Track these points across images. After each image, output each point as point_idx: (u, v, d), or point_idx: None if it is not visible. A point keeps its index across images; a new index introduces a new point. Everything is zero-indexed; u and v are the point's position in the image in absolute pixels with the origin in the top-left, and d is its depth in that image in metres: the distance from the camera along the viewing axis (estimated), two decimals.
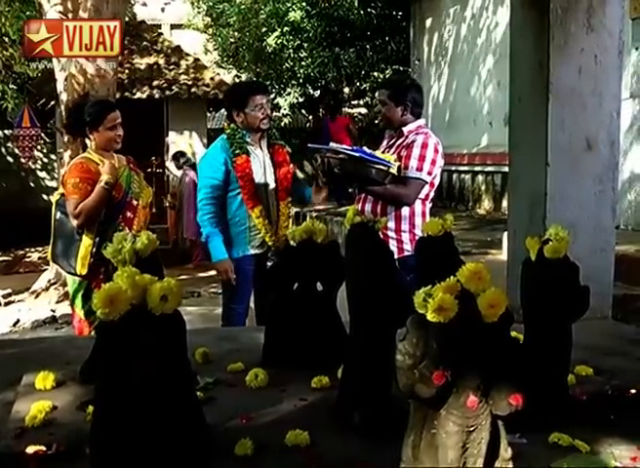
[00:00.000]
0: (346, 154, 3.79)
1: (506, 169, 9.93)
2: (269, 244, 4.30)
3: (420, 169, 3.84)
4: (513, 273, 3.86)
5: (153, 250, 2.32)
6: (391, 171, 3.81)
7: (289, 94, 17.19)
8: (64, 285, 8.52)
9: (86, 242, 3.98)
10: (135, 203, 4.12)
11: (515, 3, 3.65)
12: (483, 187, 11.42)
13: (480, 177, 11.46)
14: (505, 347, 1.50)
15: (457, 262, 2.69)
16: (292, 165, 4.52)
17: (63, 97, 8.45)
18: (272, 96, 17.64)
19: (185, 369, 1.45)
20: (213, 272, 9.82)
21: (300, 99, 17.62)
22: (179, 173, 11.92)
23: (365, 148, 3.94)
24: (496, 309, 1.48)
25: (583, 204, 3.54)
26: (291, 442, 1.89)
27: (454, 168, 11.66)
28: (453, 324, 1.46)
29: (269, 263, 4.27)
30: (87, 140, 4.13)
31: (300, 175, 15.61)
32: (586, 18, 3.43)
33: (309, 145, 4.19)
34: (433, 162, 3.89)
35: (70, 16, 8.31)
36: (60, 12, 8.33)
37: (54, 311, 7.90)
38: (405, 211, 3.93)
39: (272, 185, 4.36)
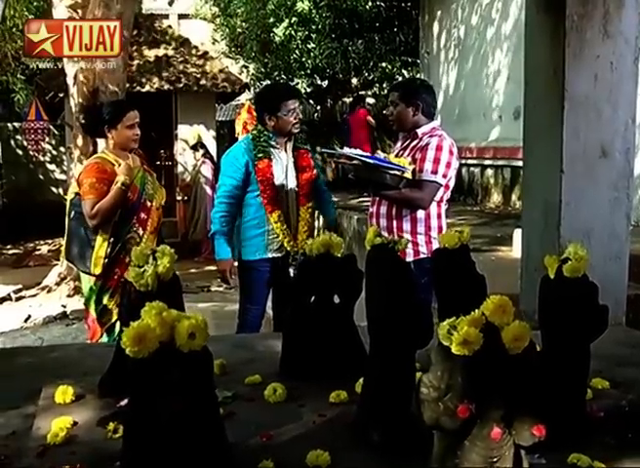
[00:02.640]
0: (360, 160, 3.80)
1: (516, 163, 10.00)
2: (288, 249, 4.31)
3: (434, 172, 3.84)
4: (527, 278, 3.89)
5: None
6: (405, 175, 3.81)
7: (297, 84, 17.16)
8: (75, 279, 8.59)
9: (100, 242, 4.02)
10: (149, 204, 4.15)
11: (530, 8, 3.63)
12: (492, 181, 11.39)
13: (489, 171, 11.44)
14: (529, 379, 1.51)
15: (473, 276, 2.73)
16: (315, 170, 4.51)
17: (73, 91, 8.47)
18: None
19: (212, 404, 1.46)
20: None
21: (308, 90, 17.61)
22: (192, 163, 12.00)
23: (379, 153, 3.95)
24: (520, 342, 1.48)
25: (598, 211, 3.54)
26: (312, 462, 1.90)
27: (463, 161, 11.61)
28: (477, 357, 1.47)
29: (291, 270, 4.32)
30: (104, 139, 4.16)
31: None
32: (602, 24, 3.42)
33: (323, 150, 4.20)
34: (448, 164, 3.89)
35: (80, 10, 8.32)
36: (69, 6, 8.32)
37: (64, 306, 7.95)
38: (420, 213, 3.93)
39: (294, 190, 4.36)
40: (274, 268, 4.33)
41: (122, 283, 2.58)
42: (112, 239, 4.02)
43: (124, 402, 2.28)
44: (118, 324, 3.91)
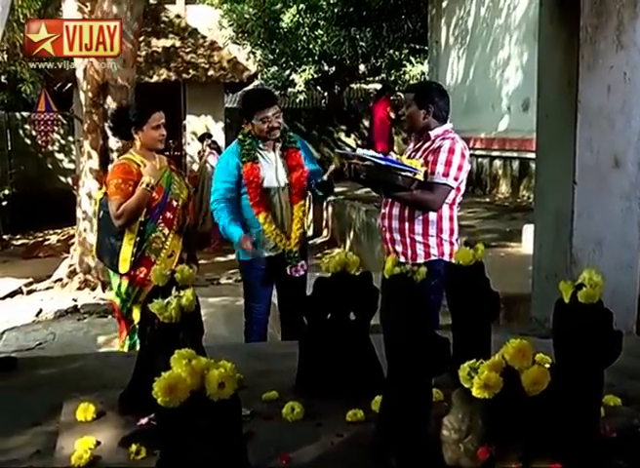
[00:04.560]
0: (373, 161, 3.82)
1: (525, 155, 9.96)
2: (282, 248, 4.38)
3: (446, 174, 3.86)
4: (539, 286, 3.93)
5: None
6: (417, 177, 3.83)
7: (304, 70, 17.13)
8: (85, 272, 8.67)
9: (127, 241, 4.15)
10: (174, 203, 4.26)
11: (544, 18, 3.64)
12: (501, 172, 11.38)
13: (498, 162, 11.42)
14: (547, 420, 1.55)
15: (487, 293, 2.76)
16: (307, 168, 4.55)
17: (83, 85, 8.49)
18: (287, 72, 17.66)
19: (241, 450, 1.50)
20: (231, 257, 9.96)
21: (316, 76, 17.56)
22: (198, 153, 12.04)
23: (392, 154, 3.97)
24: (539, 386, 1.52)
25: (610, 221, 3.56)
26: None
27: (471, 152, 11.60)
28: (497, 400, 1.50)
29: (287, 268, 4.40)
30: (131, 140, 4.25)
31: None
32: (616, 35, 3.43)
33: (337, 151, 4.23)
34: (460, 167, 3.91)
35: (89, 4, 8.32)
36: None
37: (75, 300, 8.00)
38: (432, 215, 3.96)
39: (285, 189, 4.43)
40: (272, 266, 4.42)
41: (144, 300, 2.61)
42: (138, 238, 4.11)
43: (144, 420, 2.34)
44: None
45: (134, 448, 2.15)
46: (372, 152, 3.96)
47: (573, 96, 3.43)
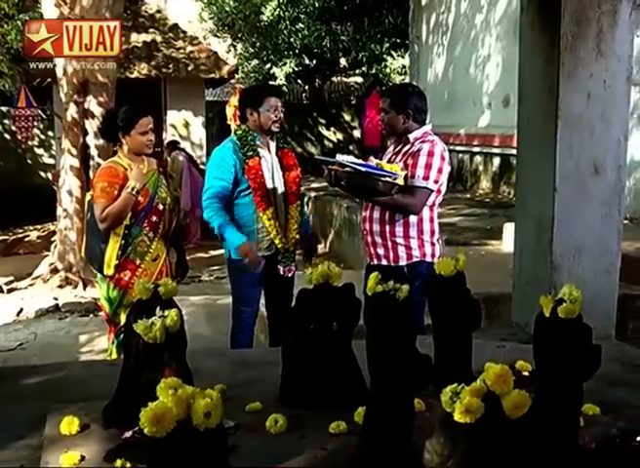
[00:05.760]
0: (353, 168, 3.84)
1: (506, 151, 10.00)
2: (279, 246, 4.36)
3: (426, 178, 3.88)
4: (519, 291, 3.97)
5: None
6: (397, 182, 3.85)
7: (285, 64, 17.12)
8: (66, 270, 8.63)
9: (112, 244, 4.15)
10: (160, 207, 4.25)
11: (525, 25, 3.67)
12: (481, 168, 11.45)
13: (479, 158, 11.49)
14: (529, 443, 1.58)
15: (469, 303, 2.79)
16: (299, 168, 4.57)
17: (63, 82, 8.41)
18: (268, 66, 17.66)
19: None
20: (213, 253, 9.94)
21: (297, 69, 17.54)
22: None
23: (371, 160, 3.98)
24: (520, 410, 1.54)
25: (590, 227, 3.61)
26: None
27: (452, 148, 11.66)
28: (479, 424, 1.53)
29: (280, 267, 4.39)
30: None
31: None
32: (596, 43, 3.46)
33: (317, 157, 4.25)
34: (440, 170, 3.93)
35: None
36: None
37: (56, 299, 7.95)
38: (413, 217, 3.98)
39: (281, 189, 4.41)
40: (265, 267, 4.36)
41: (131, 307, 2.60)
42: (123, 241, 4.12)
43: (129, 433, 2.34)
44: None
45: (119, 463, 2.15)
46: (352, 158, 3.98)
47: (553, 102, 3.46)
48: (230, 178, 4.25)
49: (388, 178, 3.83)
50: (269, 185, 4.33)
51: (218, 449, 1.44)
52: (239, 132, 4.40)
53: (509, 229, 5.77)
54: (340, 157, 4.00)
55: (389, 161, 4.09)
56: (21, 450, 2.40)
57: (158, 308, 1.96)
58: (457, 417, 1.53)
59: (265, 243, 4.34)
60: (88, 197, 4.33)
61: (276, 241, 4.34)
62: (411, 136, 4.03)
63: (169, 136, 12.54)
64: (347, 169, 3.86)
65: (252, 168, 4.25)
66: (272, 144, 4.43)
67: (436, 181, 3.93)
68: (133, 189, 4.05)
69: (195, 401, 1.38)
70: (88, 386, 2.96)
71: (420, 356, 2.02)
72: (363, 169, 3.83)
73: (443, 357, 2.70)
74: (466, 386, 1.61)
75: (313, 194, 10.99)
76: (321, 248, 9.49)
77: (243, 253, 4.22)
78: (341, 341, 2.68)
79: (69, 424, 2.47)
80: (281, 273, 4.40)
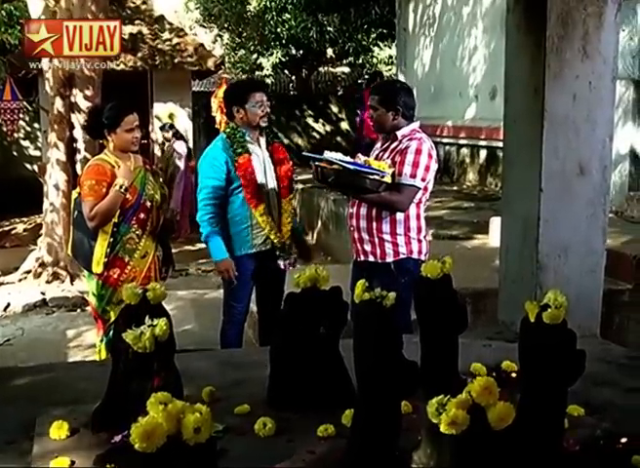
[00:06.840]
0: (340, 165, 3.85)
1: (493, 143, 10.01)
2: (275, 241, 4.37)
3: (413, 175, 3.90)
4: (506, 290, 4.00)
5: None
6: (385, 179, 3.87)
7: (271, 54, 17.07)
8: (53, 264, 8.60)
9: (101, 242, 4.16)
10: (148, 204, 4.25)
11: (511, 26, 3.68)
12: (468, 160, 11.48)
13: (465, 150, 11.52)
14: (513, 453, 1.60)
15: (455, 306, 2.81)
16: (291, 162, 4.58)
17: (48, 76, 8.36)
18: (255, 56, 17.59)
19: None
20: (200, 246, 9.90)
21: (283, 60, 17.49)
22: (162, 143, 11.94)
23: (359, 157, 4.00)
24: (505, 421, 1.57)
25: (575, 227, 3.64)
26: None
27: (439, 140, 11.69)
28: (465, 436, 1.55)
29: (280, 262, 4.40)
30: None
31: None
32: (582, 44, 3.48)
33: (304, 153, 4.26)
34: (427, 168, 3.95)
35: None
36: None
37: (44, 294, 7.93)
38: (400, 214, 4.00)
39: (273, 183, 4.42)
40: (259, 263, 4.39)
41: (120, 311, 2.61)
42: (112, 239, 4.12)
43: (118, 437, 2.35)
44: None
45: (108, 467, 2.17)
46: (340, 155, 3.98)
47: (539, 104, 3.48)
48: (223, 177, 4.26)
49: (376, 176, 3.85)
50: (261, 180, 4.34)
51: (208, 463, 1.46)
52: (228, 129, 4.40)
53: (496, 223, 5.80)
54: (327, 154, 4.00)
55: (377, 158, 4.10)
56: (12, 456, 2.41)
57: (147, 317, 1.96)
58: (443, 429, 1.56)
59: (260, 238, 4.35)
60: (74, 194, 4.33)
61: (271, 236, 4.34)
62: (399, 134, 4.04)
63: (155, 127, 12.48)
64: (335, 166, 3.87)
65: (242, 165, 4.26)
66: (262, 139, 4.44)
67: (423, 179, 3.95)
68: (121, 187, 4.05)
69: (185, 416, 1.40)
70: (77, 388, 2.98)
71: (407, 362, 2.04)
72: (351, 166, 3.84)
73: (429, 359, 2.73)
74: (453, 393, 1.63)
75: (300, 186, 10.98)
76: (308, 239, 9.49)
77: (222, 268, 4.30)
78: (329, 344, 2.70)
79: (59, 429, 2.47)
80: (282, 267, 4.42)
